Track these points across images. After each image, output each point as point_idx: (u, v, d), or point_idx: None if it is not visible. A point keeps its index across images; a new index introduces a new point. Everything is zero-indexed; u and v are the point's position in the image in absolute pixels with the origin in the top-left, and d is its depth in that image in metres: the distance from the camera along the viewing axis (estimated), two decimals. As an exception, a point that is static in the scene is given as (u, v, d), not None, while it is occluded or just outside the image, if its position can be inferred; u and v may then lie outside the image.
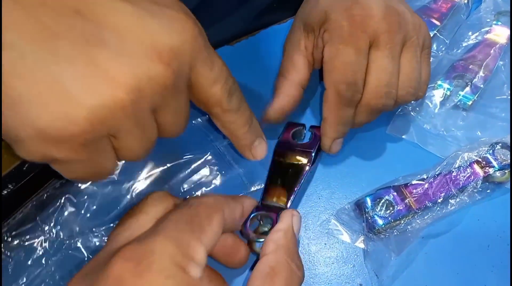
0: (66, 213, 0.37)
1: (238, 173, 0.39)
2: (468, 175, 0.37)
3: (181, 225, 0.26)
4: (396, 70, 0.35)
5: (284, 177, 0.36)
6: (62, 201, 0.37)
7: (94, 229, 0.37)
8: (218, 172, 0.40)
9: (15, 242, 0.35)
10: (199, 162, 0.40)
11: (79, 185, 0.38)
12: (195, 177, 0.40)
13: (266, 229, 0.33)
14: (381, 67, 0.34)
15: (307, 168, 0.36)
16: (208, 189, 0.39)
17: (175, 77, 0.24)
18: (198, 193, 0.39)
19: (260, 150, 0.33)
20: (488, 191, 0.38)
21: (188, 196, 0.38)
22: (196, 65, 0.25)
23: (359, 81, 0.34)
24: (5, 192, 0.32)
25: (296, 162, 0.37)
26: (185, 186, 0.39)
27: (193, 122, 0.42)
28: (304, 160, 0.37)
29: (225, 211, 0.29)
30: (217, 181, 0.39)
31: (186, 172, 0.40)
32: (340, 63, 0.34)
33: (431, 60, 0.39)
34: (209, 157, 0.40)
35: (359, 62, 0.34)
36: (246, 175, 0.39)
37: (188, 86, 0.26)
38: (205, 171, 0.40)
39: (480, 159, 0.38)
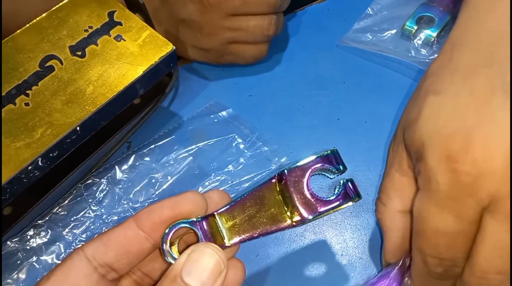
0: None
1: (262, 150, 0.41)
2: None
3: None
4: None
5: (261, 212, 0.25)
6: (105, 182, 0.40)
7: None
8: (244, 150, 0.42)
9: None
10: (226, 142, 0.42)
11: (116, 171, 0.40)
12: (223, 156, 0.42)
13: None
14: (497, 243, 0.24)
15: (289, 225, 0.25)
16: (235, 165, 0.41)
17: None
18: (226, 169, 0.41)
19: None
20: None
21: (214, 174, 0.41)
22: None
23: (459, 256, 0.25)
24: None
25: (286, 210, 0.25)
26: (215, 163, 0.41)
27: (219, 115, 0.45)
28: (298, 216, 0.25)
29: None
30: (243, 159, 0.41)
31: (215, 151, 0.42)
32: (431, 230, 0.25)
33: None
34: (236, 137, 0.42)
35: (460, 232, 0.25)
36: (270, 153, 0.42)
37: None
38: (232, 150, 0.42)
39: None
